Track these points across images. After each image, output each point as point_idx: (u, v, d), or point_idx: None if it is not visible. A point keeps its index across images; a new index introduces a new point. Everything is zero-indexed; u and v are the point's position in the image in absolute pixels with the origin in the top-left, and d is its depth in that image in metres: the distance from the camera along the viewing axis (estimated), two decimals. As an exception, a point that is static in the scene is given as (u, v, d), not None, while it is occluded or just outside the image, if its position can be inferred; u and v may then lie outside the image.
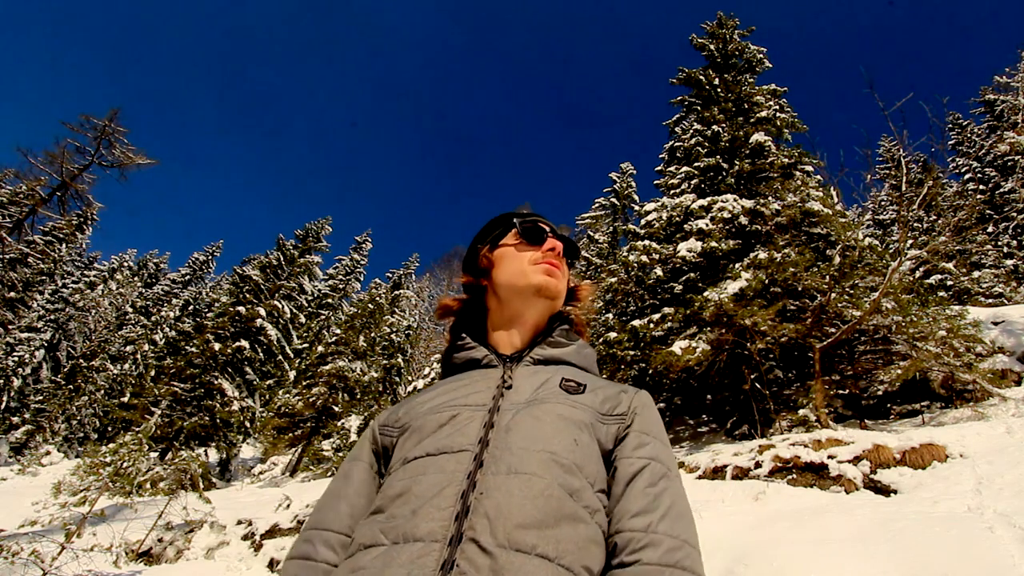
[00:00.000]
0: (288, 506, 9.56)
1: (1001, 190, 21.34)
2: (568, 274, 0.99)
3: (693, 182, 12.66)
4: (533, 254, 0.93)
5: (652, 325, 9.99)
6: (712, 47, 14.12)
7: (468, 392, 0.79)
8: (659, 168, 17.23)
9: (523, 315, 0.91)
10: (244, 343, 19.03)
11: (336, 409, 19.37)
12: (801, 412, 8.45)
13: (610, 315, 13.60)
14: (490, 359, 0.86)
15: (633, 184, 24.83)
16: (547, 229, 0.97)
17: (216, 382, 18.28)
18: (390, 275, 31.69)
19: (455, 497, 0.62)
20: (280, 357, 20.50)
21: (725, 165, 12.12)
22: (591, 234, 22.98)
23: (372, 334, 22.15)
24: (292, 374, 22.00)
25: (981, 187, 22.12)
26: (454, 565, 0.55)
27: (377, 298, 23.74)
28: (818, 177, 11.90)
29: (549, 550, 0.57)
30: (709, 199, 11.05)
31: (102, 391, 27.34)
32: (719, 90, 13.27)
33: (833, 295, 9.18)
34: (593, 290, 1.05)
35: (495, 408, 0.75)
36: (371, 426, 0.87)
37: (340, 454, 15.48)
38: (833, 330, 9.47)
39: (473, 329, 0.94)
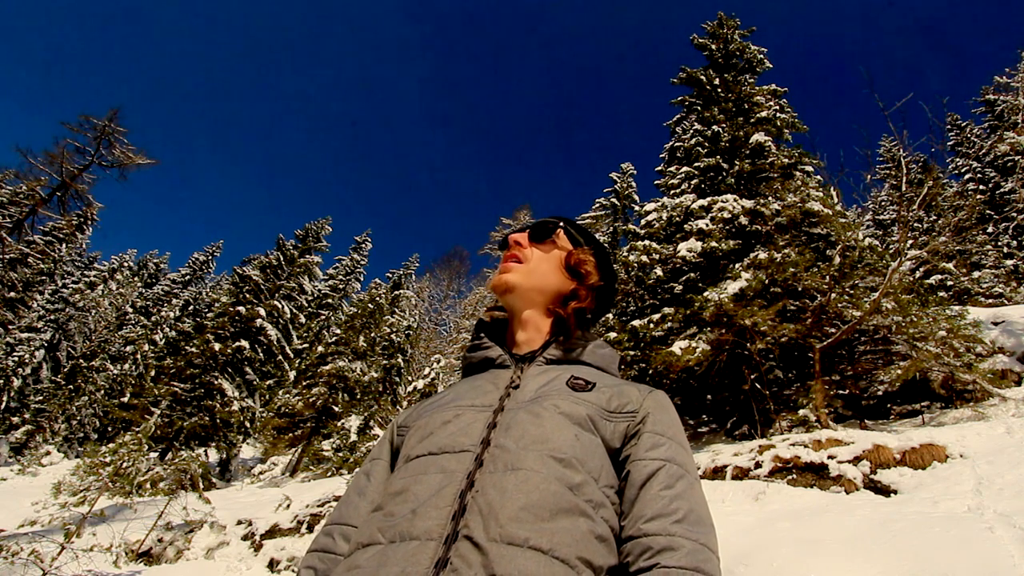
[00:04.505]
0: (288, 506, 9.56)
1: (1001, 190, 21.33)
2: (551, 254, 0.94)
3: (693, 182, 12.66)
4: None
5: (652, 325, 9.99)
6: (713, 47, 14.12)
7: (477, 393, 0.79)
8: (659, 168, 17.24)
9: (519, 315, 0.91)
10: (244, 343, 19.03)
11: (336, 409, 19.37)
12: (801, 412, 8.45)
13: (610, 315, 13.59)
14: (504, 359, 0.86)
15: (633, 184, 24.83)
16: (516, 230, 0.97)
17: (216, 382, 18.28)
18: (390, 275, 31.68)
19: (453, 496, 0.62)
20: (280, 357, 20.50)
21: (725, 165, 12.12)
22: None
23: (372, 334, 22.15)
24: (292, 374, 22.01)
25: (981, 187, 22.10)
26: (447, 562, 0.55)
27: (377, 298, 23.73)
28: (818, 177, 11.90)
29: (543, 542, 0.56)
30: (709, 199, 11.05)
31: (102, 391, 27.34)
32: (719, 90, 13.27)
33: (833, 295, 9.18)
34: (588, 253, 0.96)
35: (500, 408, 0.75)
36: (391, 425, 0.88)
37: (340, 454, 15.47)
38: (833, 330, 9.47)
39: (494, 333, 0.94)
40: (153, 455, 12.19)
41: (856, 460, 5.90)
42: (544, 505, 0.60)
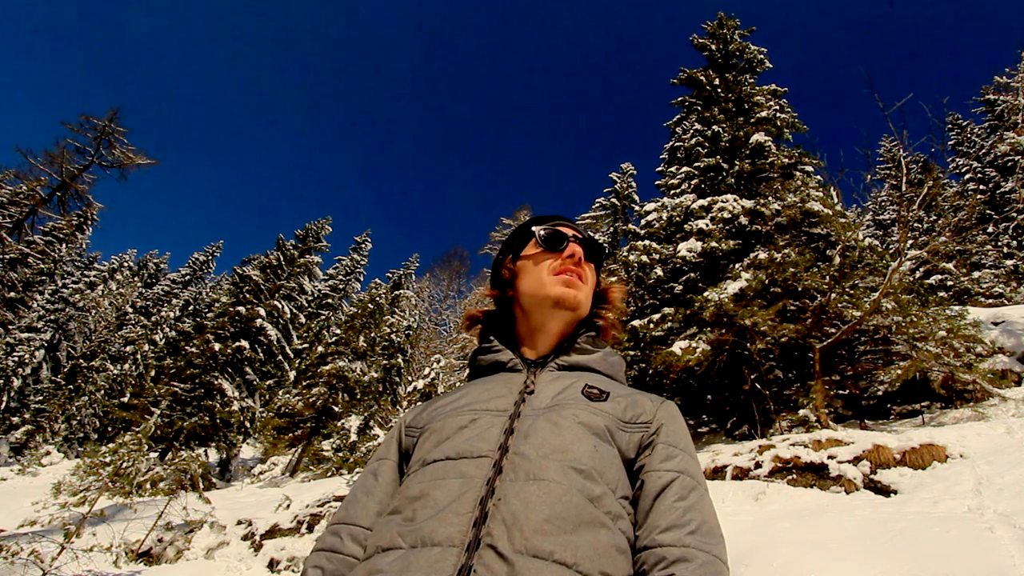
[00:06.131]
0: (288, 506, 9.56)
1: (1001, 190, 21.32)
2: (594, 277, 0.96)
3: (693, 182, 12.66)
4: (552, 263, 0.91)
5: (652, 325, 9.99)
6: (713, 47, 14.11)
7: (490, 396, 0.79)
8: (659, 168, 17.23)
9: (546, 324, 0.89)
10: (244, 343, 19.03)
11: (336, 409, 19.37)
12: (801, 412, 8.44)
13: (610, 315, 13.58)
14: (515, 363, 0.86)
15: (633, 184, 24.81)
16: (569, 234, 0.94)
17: (216, 382, 18.28)
18: (390, 275, 31.66)
19: (474, 503, 0.62)
20: (280, 357, 20.49)
21: (725, 165, 12.12)
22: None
23: (372, 334, 22.15)
24: (292, 374, 22.00)
25: (981, 187, 22.09)
26: (471, 571, 0.55)
27: (377, 298, 23.73)
28: (818, 177, 11.89)
29: (567, 556, 0.57)
30: (709, 199, 11.05)
31: (102, 391, 27.32)
32: (719, 90, 13.27)
33: (833, 295, 9.18)
34: (624, 291, 1.02)
35: (516, 414, 0.75)
36: (398, 425, 0.87)
37: (340, 454, 15.47)
38: (833, 330, 9.47)
39: (502, 334, 0.93)
40: (153, 455, 12.18)
41: (856, 460, 5.89)
42: (567, 517, 0.61)
